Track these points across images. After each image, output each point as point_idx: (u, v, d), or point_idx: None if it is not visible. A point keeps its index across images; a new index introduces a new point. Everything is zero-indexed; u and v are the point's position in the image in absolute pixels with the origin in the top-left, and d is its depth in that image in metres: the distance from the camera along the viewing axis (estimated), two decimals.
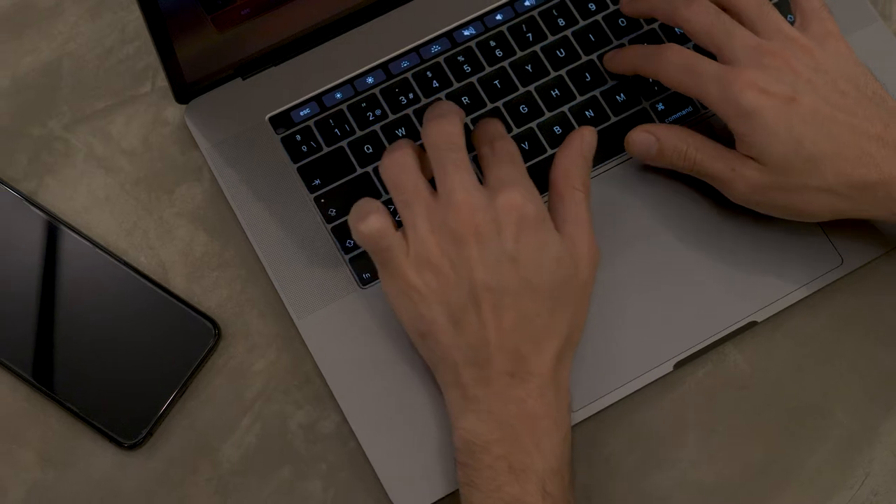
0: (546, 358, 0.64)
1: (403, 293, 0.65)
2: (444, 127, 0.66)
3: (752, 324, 0.72)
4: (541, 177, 0.72)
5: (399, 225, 0.66)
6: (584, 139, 0.69)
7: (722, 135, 0.71)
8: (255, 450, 0.71)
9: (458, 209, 0.64)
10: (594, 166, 0.73)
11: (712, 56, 0.70)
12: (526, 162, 0.74)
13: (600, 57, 0.77)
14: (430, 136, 0.67)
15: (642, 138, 0.72)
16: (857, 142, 0.67)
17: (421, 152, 0.68)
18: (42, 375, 0.71)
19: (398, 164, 0.66)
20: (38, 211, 0.73)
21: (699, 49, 0.71)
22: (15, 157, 0.75)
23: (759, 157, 0.68)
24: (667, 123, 0.73)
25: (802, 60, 0.68)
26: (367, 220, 0.65)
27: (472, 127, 0.73)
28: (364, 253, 0.72)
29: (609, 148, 0.75)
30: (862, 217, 0.70)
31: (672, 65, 0.70)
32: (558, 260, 0.65)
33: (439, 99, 0.75)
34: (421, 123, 0.74)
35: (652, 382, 0.71)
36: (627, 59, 0.74)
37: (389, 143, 0.74)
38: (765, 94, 0.67)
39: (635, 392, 0.71)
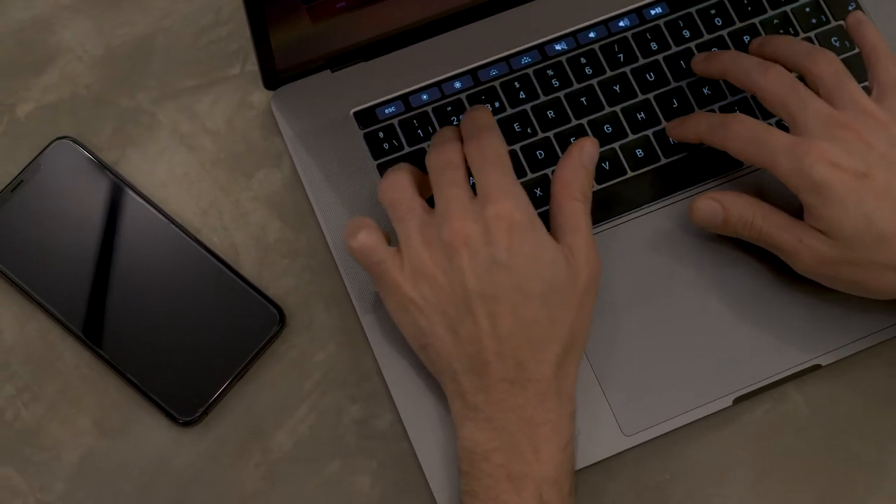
0: (545, 364, 0.64)
1: (402, 307, 0.66)
2: (444, 150, 0.68)
3: (817, 367, 0.72)
4: (619, 201, 0.72)
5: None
6: (584, 150, 0.69)
7: (787, 198, 0.70)
8: (308, 440, 0.71)
9: (450, 221, 0.65)
10: (669, 194, 0.73)
11: (780, 123, 0.69)
12: (601, 184, 0.74)
13: (689, 84, 0.76)
14: (431, 161, 0.68)
15: (708, 206, 0.71)
16: None
17: (422, 175, 0.69)
18: (106, 344, 0.71)
19: (393, 183, 0.68)
20: (117, 181, 0.74)
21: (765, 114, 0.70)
22: (101, 125, 0.76)
23: (827, 230, 0.67)
24: (733, 191, 0.72)
25: (877, 134, 0.67)
26: (357, 236, 0.67)
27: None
28: None
29: (686, 178, 0.75)
30: None
31: (741, 138, 0.69)
32: (553, 266, 0.65)
33: (524, 110, 0.75)
34: (505, 133, 0.74)
35: (710, 415, 0.71)
36: (693, 128, 0.73)
37: None
38: (837, 168, 0.66)
39: (692, 423, 0.71)
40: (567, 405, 0.65)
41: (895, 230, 0.66)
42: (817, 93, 0.69)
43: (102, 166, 0.74)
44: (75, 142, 0.74)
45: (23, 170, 0.74)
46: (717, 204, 0.70)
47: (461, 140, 0.69)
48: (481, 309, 0.64)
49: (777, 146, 0.67)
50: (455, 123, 0.75)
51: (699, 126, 0.72)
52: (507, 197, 0.65)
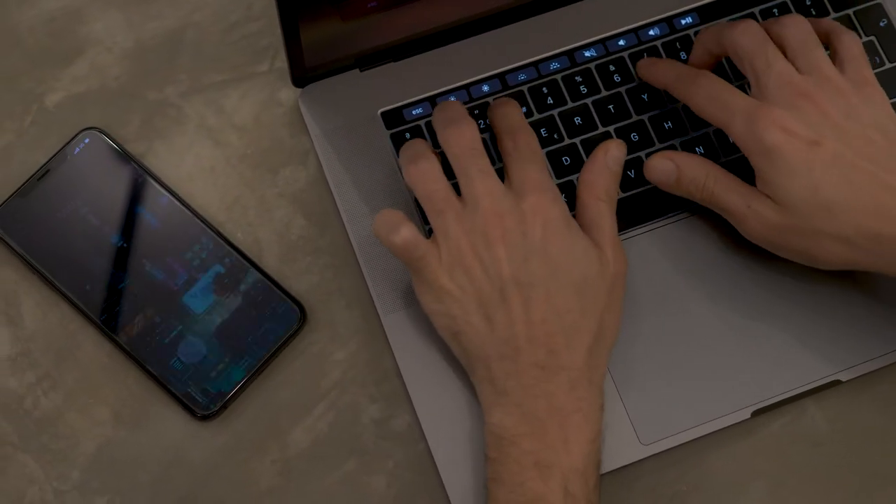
0: (577, 353, 0.65)
1: (437, 297, 0.67)
2: (464, 133, 0.69)
3: (836, 382, 0.71)
4: (643, 209, 0.72)
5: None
6: (609, 152, 0.70)
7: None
8: (325, 438, 0.71)
9: (487, 214, 0.66)
10: (702, 201, 0.73)
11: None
12: (626, 192, 0.74)
13: None
14: (451, 144, 0.69)
15: (662, 164, 0.71)
16: (877, 192, 0.65)
17: (438, 155, 0.70)
18: (127, 335, 0.71)
19: (426, 175, 0.69)
20: (143, 172, 0.74)
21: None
22: (129, 117, 0.76)
23: (775, 196, 0.67)
24: (688, 153, 0.72)
25: (835, 102, 0.67)
26: (400, 232, 0.67)
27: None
28: None
29: None
30: (876, 270, 0.68)
31: (703, 92, 0.69)
32: (586, 259, 0.67)
33: (551, 116, 0.75)
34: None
35: (728, 427, 0.71)
36: (661, 74, 0.73)
37: (497, 152, 0.74)
38: (789, 134, 0.66)
39: (710, 434, 0.71)
40: (597, 396, 0.66)
41: (840, 200, 0.65)
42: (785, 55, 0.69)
43: (129, 158, 0.74)
44: (102, 132, 0.74)
45: (49, 159, 0.74)
46: (671, 163, 0.71)
47: (467, 117, 0.69)
48: (516, 296, 0.65)
49: (735, 107, 0.68)
50: (483, 127, 0.75)
51: (668, 73, 0.73)
52: (543, 192, 0.67)
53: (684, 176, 0.70)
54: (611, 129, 0.75)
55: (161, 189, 0.74)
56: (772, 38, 0.69)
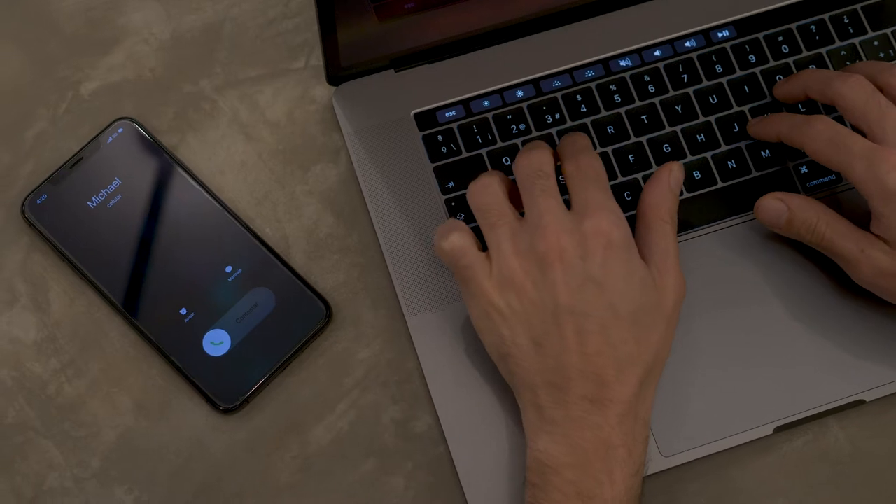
0: (628, 386, 0.64)
1: (485, 313, 0.66)
2: (534, 156, 0.67)
3: (860, 402, 0.71)
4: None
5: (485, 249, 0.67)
6: (672, 173, 0.69)
7: (853, 213, 0.70)
8: (346, 436, 0.71)
9: (545, 233, 0.64)
10: (723, 218, 0.74)
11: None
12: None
13: (752, 110, 0.76)
14: (520, 166, 0.67)
15: (773, 206, 0.71)
16: None
17: (510, 183, 0.69)
18: (153, 325, 0.72)
19: (483, 188, 0.67)
20: (175, 164, 0.74)
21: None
22: (163, 109, 0.77)
23: (891, 239, 0.67)
24: (800, 194, 0.72)
25: None
26: (449, 238, 0.66)
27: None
28: None
29: (743, 203, 0.74)
30: None
31: (820, 138, 0.69)
32: (643, 287, 0.65)
33: (577, 129, 0.75)
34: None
35: (749, 442, 0.71)
36: (773, 126, 0.73)
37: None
38: None
39: (731, 448, 0.70)
40: (642, 429, 0.65)
41: None
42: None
43: (161, 149, 0.74)
44: (136, 122, 0.75)
45: (83, 147, 0.74)
46: (782, 204, 0.70)
47: (552, 153, 0.68)
48: (570, 324, 0.63)
49: (855, 150, 0.67)
50: (515, 133, 0.75)
51: (781, 124, 0.72)
52: (606, 213, 0.65)
53: (796, 218, 0.70)
54: (643, 139, 0.75)
55: (192, 181, 0.74)
56: (882, 88, 0.69)
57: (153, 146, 0.75)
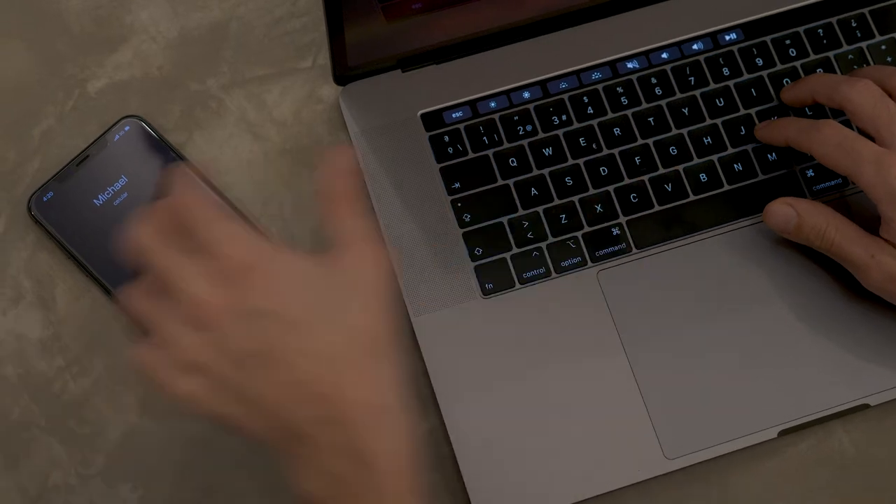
0: (353, 385, 0.56)
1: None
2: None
3: (865, 406, 0.71)
4: (679, 223, 0.72)
5: None
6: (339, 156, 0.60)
7: (861, 217, 0.70)
8: None
9: (191, 304, 0.57)
10: (729, 221, 0.74)
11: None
12: (662, 205, 0.74)
13: (758, 113, 0.76)
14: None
15: (782, 211, 0.71)
16: None
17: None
18: None
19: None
20: (182, 163, 0.74)
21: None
22: (169, 107, 0.77)
23: None
24: (809, 199, 0.72)
25: None
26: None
27: None
28: (490, 263, 0.73)
29: (749, 206, 0.74)
30: None
31: (829, 142, 0.69)
32: (305, 286, 0.57)
33: (591, 126, 0.75)
34: (570, 147, 0.74)
35: (753, 445, 0.71)
36: (781, 130, 0.73)
37: (535, 160, 0.74)
38: None
39: (735, 451, 0.70)
40: (389, 416, 0.57)
41: None
42: None
43: (167, 147, 0.75)
44: (143, 121, 0.75)
45: (89, 145, 0.74)
46: (791, 209, 0.70)
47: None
48: (251, 368, 0.56)
49: (864, 154, 0.67)
50: (522, 134, 0.75)
51: (788, 128, 0.72)
52: (228, 244, 0.57)
53: (805, 223, 0.70)
54: (650, 141, 0.75)
55: (199, 180, 0.74)
56: (890, 93, 0.70)
57: (160, 144, 0.75)
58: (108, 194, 0.74)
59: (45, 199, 0.73)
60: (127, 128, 0.75)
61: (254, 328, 0.55)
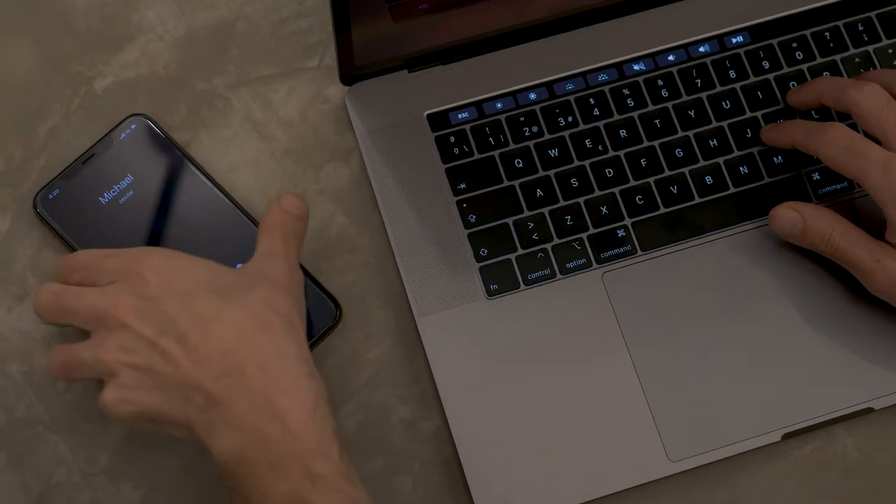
0: (246, 340, 0.61)
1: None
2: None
3: (869, 410, 0.71)
4: (684, 225, 0.72)
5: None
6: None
7: (867, 221, 0.70)
8: (354, 435, 0.71)
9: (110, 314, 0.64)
10: (734, 224, 0.74)
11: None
12: (667, 207, 0.74)
13: (764, 116, 0.76)
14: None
15: (788, 215, 0.71)
16: None
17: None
18: None
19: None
20: (187, 161, 0.74)
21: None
22: (175, 105, 0.77)
23: None
24: (814, 204, 0.72)
25: None
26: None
27: None
28: (495, 264, 0.73)
29: (754, 209, 0.74)
30: None
31: (836, 144, 0.69)
32: (199, 271, 0.64)
33: (597, 127, 0.75)
34: (575, 148, 0.74)
35: (757, 448, 0.71)
36: (787, 133, 0.73)
37: (541, 161, 0.74)
38: None
39: (739, 454, 0.70)
40: (295, 367, 0.61)
41: None
42: None
43: (173, 146, 0.75)
44: (149, 119, 0.75)
45: (95, 143, 0.74)
46: (796, 214, 0.70)
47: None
48: (162, 344, 0.62)
49: (871, 157, 0.67)
50: (528, 135, 0.75)
51: (795, 131, 0.72)
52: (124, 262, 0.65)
53: (810, 228, 0.70)
54: (656, 143, 0.75)
55: (204, 179, 0.74)
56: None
57: (166, 143, 0.75)
58: (113, 192, 0.73)
59: (50, 196, 0.73)
60: (133, 126, 0.75)
61: (153, 312, 0.62)
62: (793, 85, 0.76)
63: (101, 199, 0.73)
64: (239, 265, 0.71)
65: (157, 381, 0.61)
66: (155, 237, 0.73)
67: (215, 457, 0.61)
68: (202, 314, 0.62)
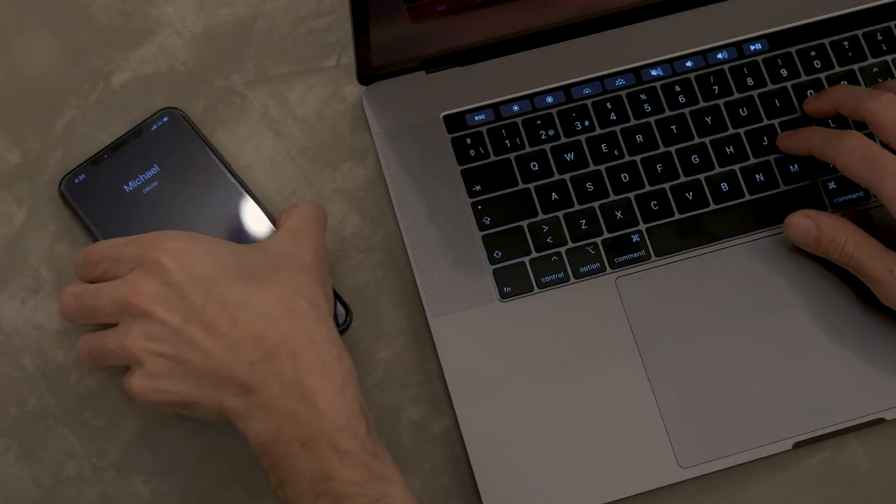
0: (279, 324, 0.61)
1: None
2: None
3: (880, 420, 0.71)
4: (699, 232, 0.72)
5: None
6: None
7: (882, 232, 0.70)
8: None
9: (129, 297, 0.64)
10: (749, 231, 0.74)
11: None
12: (682, 213, 0.74)
13: (781, 124, 0.76)
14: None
15: (802, 223, 0.71)
16: None
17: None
18: None
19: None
20: (215, 158, 0.74)
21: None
22: (193, 101, 0.77)
23: None
24: (829, 213, 0.72)
25: None
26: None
27: None
28: (508, 267, 0.73)
29: (769, 217, 0.74)
30: None
31: (854, 153, 0.69)
32: (222, 253, 0.64)
33: (613, 132, 0.75)
34: (591, 153, 0.74)
35: (768, 457, 0.70)
36: (804, 140, 0.73)
37: (556, 164, 0.74)
38: None
39: (749, 462, 0.70)
40: (326, 348, 0.62)
41: None
42: None
43: (203, 142, 0.74)
44: (182, 114, 0.75)
45: (126, 132, 0.74)
46: (811, 222, 0.71)
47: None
48: (191, 331, 0.61)
49: (888, 167, 0.67)
50: (544, 138, 0.75)
51: (812, 138, 0.72)
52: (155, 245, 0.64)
53: (824, 236, 0.70)
54: (672, 149, 0.75)
55: (230, 177, 0.74)
56: None
57: (195, 138, 0.75)
58: (138, 181, 0.73)
59: (76, 181, 0.73)
60: (165, 119, 0.75)
61: (177, 299, 0.61)
62: (810, 93, 0.76)
63: (125, 187, 0.73)
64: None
65: (186, 369, 0.61)
66: (175, 228, 0.72)
67: (250, 439, 0.61)
68: (230, 300, 0.61)
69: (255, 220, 0.73)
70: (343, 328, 0.72)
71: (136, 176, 0.73)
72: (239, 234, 0.73)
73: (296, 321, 0.62)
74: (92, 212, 0.73)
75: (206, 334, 0.61)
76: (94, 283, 0.65)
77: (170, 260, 0.62)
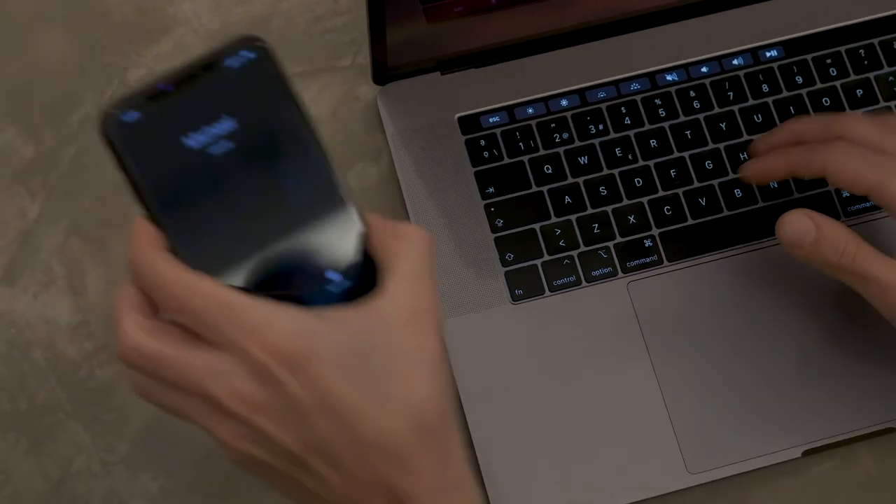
0: (409, 463, 0.49)
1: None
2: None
3: (890, 430, 0.71)
4: (709, 239, 0.72)
5: None
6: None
7: (882, 243, 0.69)
8: None
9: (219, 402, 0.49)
10: (762, 238, 0.74)
11: None
12: (698, 219, 0.74)
13: None
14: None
15: (801, 223, 0.65)
16: None
17: None
18: None
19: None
20: (309, 125, 0.53)
21: None
22: None
23: None
24: (826, 215, 0.66)
25: None
26: None
27: None
28: (520, 269, 0.73)
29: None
30: None
31: (849, 156, 0.65)
32: (351, 363, 0.48)
33: (627, 136, 0.75)
34: (605, 157, 0.74)
35: (777, 464, 0.70)
36: (780, 161, 0.69)
37: (570, 168, 0.74)
38: None
39: (758, 469, 0.70)
40: (454, 497, 0.51)
41: None
42: None
43: (291, 96, 0.52)
44: (269, 51, 0.52)
45: (194, 62, 0.51)
46: (810, 222, 0.65)
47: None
48: (312, 464, 0.49)
49: (890, 166, 0.64)
50: (558, 141, 0.75)
51: (789, 155, 0.68)
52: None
53: (824, 238, 0.64)
54: (686, 154, 0.75)
55: (321, 154, 0.53)
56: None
57: (285, 89, 0.52)
58: (206, 138, 0.50)
59: (126, 118, 0.49)
60: (249, 55, 0.51)
61: (294, 420, 0.48)
62: (826, 101, 0.76)
63: (188, 140, 0.50)
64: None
65: (298, 488, 0.50)
66: (243, 212, 0.50)
67: None
68: (359, 435, 0.48)
69: (343, 220, 0.53)
70: None
71: (202, 129, 0.50)
72: (323, 240, 0.52)
73: (426, 457, 0.49)
74: (140, 166, 0.49)
75: (330, 470, 0.49)
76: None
77: (283, 365, 0.47)
